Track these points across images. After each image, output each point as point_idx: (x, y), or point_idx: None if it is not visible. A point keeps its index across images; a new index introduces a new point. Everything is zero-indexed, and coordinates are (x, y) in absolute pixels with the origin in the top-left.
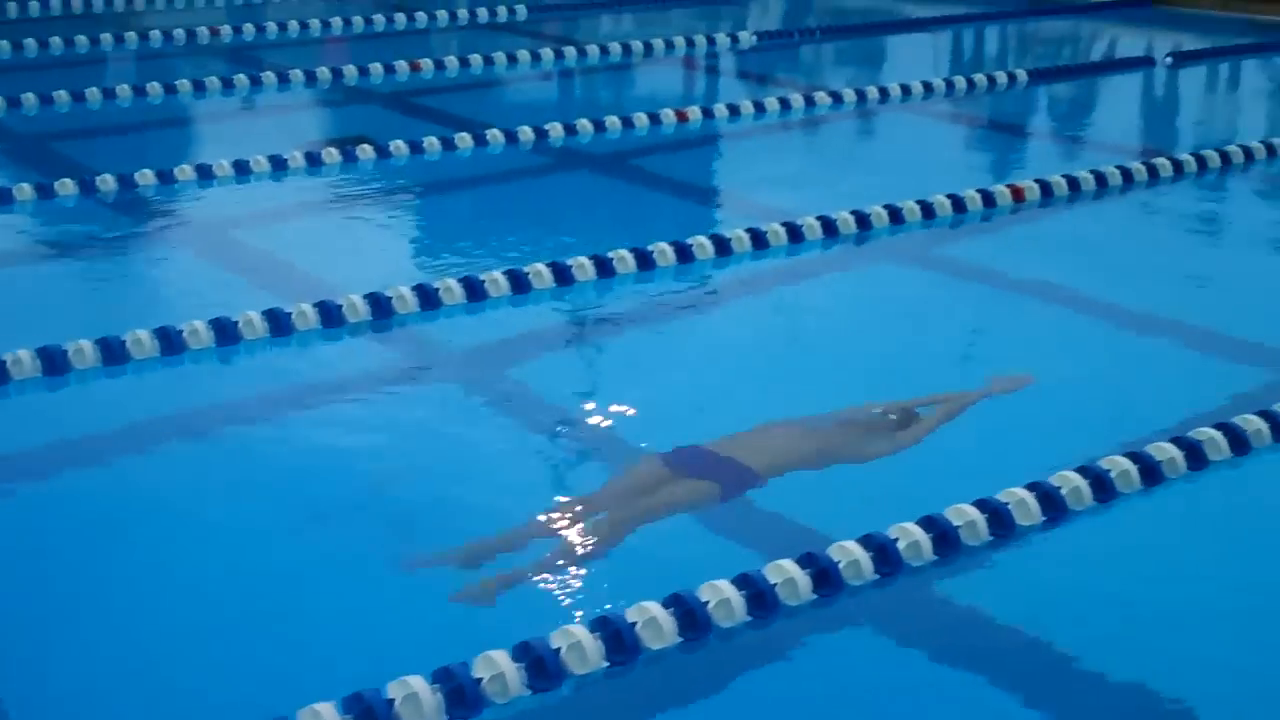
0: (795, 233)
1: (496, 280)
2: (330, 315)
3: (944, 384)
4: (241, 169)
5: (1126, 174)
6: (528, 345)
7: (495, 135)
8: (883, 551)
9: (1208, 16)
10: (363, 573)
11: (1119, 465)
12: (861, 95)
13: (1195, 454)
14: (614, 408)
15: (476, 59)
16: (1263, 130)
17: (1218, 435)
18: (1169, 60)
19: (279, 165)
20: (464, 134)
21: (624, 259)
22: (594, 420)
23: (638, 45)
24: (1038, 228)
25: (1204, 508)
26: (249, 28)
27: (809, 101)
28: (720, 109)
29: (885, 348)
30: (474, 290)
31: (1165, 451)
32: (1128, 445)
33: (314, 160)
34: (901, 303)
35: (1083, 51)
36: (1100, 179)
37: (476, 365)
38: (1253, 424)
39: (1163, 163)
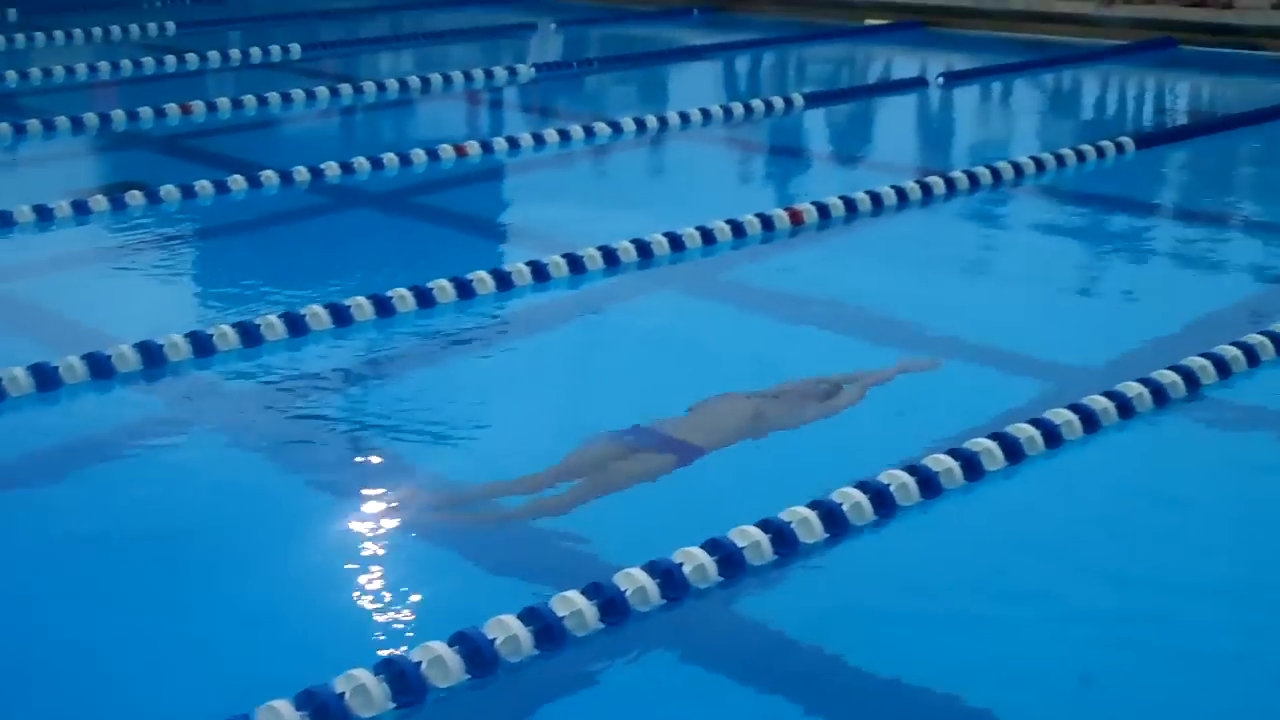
0: (577, 264)
1: (272, 324)
2: (99, 367)
3: None
4: (4, 220)
5: (901, 193)
6: (306, 389)
7: (270, 176)
8: (669, 576)
9: (978, 37)
10: (146, 630)
11: (897, 479)
12: (641, 124)
13: (971, 465)
14: (393, 447)
15: (250, 99)
16: (1034, 145)
17: (993, 445)
18: (940, 80)
19: (45, 215)
20: (237, 176)
21: (403, 297)
22: (375, 460)
23: (415, 81)
24: (816, 249)
25: (979, 518)
26: (11, 74)
27: (589, 132)
28: (499, 143)
29: (666, 376)
30: (249, 335)
31: (942, 463)
32: (906, 459)
33: (82, 209)
34: (683, 330)
35: (858, 74)
36: (876, 199)
37: (252, 411)
38: (1025, 432)
39: (936, 181)
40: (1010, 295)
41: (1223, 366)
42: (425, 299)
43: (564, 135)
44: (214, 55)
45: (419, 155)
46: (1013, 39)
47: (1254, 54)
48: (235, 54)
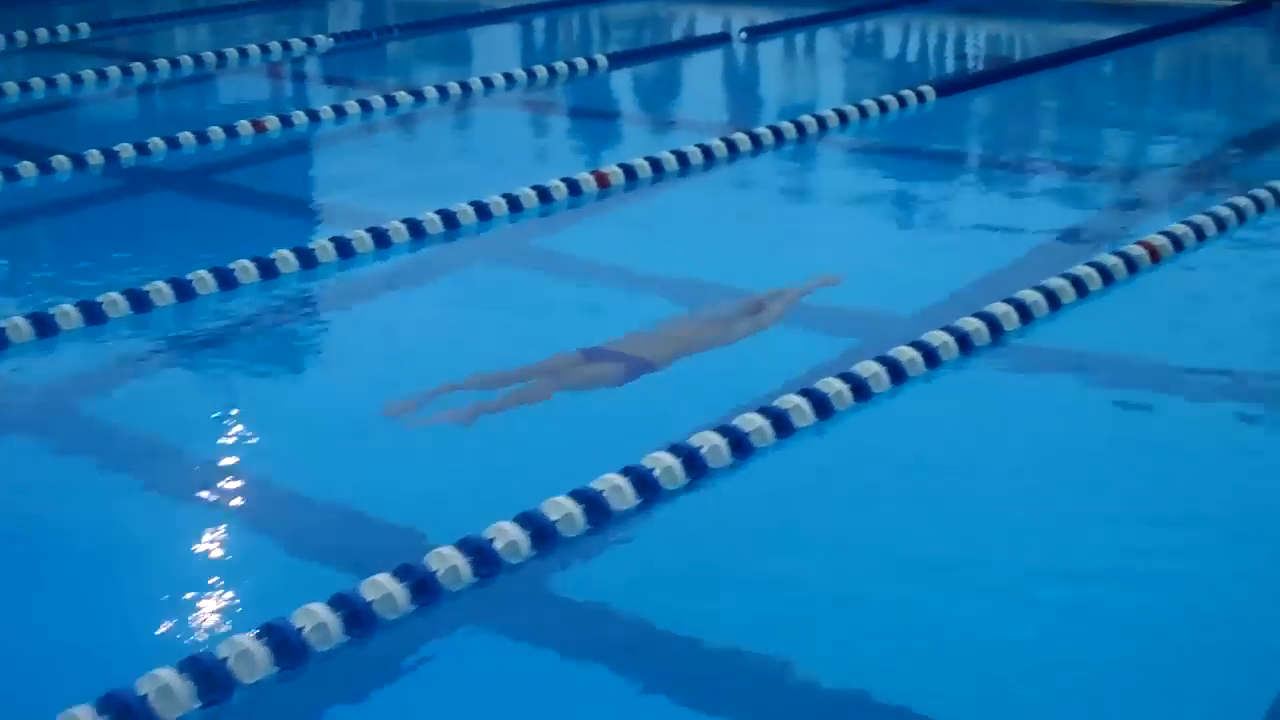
0: (382, 238)
1: (68, 313)
2: None
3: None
4: None
5: (707, 151)
6: (105, 379)
7: (61, 161)
8: (480, 553)
9: None
10: None
11: (709, 440)
12: (443, 91)
13: (782, 422)
14: (200, 437)
15: (38, 82)
16: (838, 98)
17: (802, 401)
18: (743, 35)
19: None
20: (27, 162)
21: (204, 280)
22: (183, 448)
23: (210, 56)
24: (625, 212)
25: (793, 475)
26: None
27: (390, 102)
28: (299, 116)
29: (484, 345)
30: (44, 326)
31: (752, 422)
32: (717, 420)
33: None
34: (495, 298)
35: (661, 32)
36: (682, 159)
37: (50, 407)
38: (833, 386)
39: (741, 138)
40: (818, 251)
41: (1024, 311)
42: (227, 280)
43: (365, 106)
44: None
45: (216, 133)
46: None
47: None
48: (21, 35)
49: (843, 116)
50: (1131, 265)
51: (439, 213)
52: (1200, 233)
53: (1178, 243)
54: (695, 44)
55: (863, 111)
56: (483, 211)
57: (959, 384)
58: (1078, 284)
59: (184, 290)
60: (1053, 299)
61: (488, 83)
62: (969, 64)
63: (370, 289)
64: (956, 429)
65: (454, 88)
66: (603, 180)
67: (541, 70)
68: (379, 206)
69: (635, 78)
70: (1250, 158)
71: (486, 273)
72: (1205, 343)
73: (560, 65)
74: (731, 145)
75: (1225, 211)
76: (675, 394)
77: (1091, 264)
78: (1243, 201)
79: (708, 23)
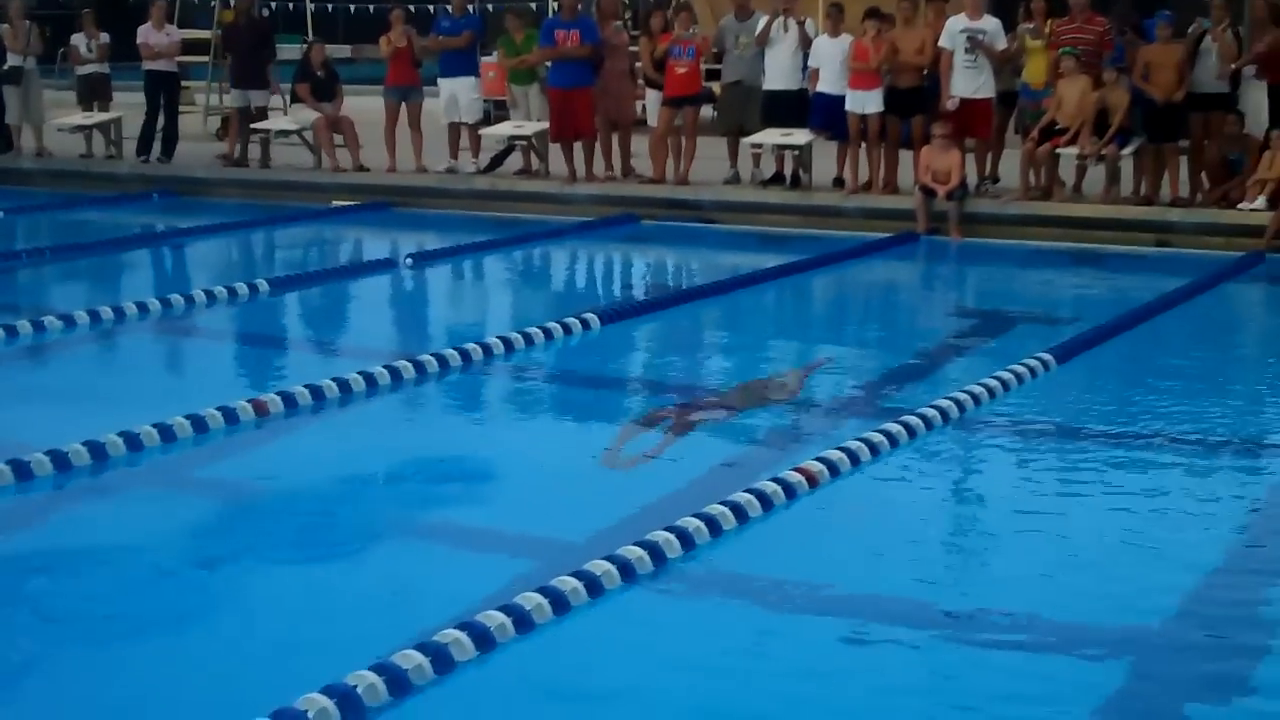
0: (23, 470)
1: None
2: None
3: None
4: None
5: (370, 379)
6: None
7: None
8: None
9: (448, 216)
10: None
11: (364, 679)
12: (96, 316)
13: (441, 657)
14: None
15: None
16: (505, 324)
17: (462, 635)
18: (409, 261)
19: None
20: None
21: None
22: None
23: None
24: (284, 439)
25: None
26: None
27: (37, 327)
28: None
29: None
30: None
31: (411, 659)
32: (375, 659)
33: None
34: (147, 531)
35: (326, 256)
36: (344, 386)
37: None
38: (495, 619)
39: (405, 365)
40: (483, 481)
41: (685, 538)
42: None
43: (10, 331)
44: None
45: None
46: (483, 218)
47: (710, 227)
48: None
49: (508, 344)
50: (790, 491)
51: (85, 444)
52: (855, 458)
53: (833, 468)
54: (359, 269)
55: (528, 339)
56: (132, 442)
57: (622, 609)
58: (737, 510)
59: None
60: (713, 525)
61: (142, 308)
62: (634, 291)
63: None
64: (619, 655)
65: (106, 312)
66: (261, 408)
67: (200, 294)
68: (22, 436)
69: (298, 302)
70: (902, 382)
71: (145, 505)
72: (858, 565)
73: (220, 290)
74: (395, 373)
75: (877, 437)
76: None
77: (750, 490)
78: (894, 428)
79: (373, 247)
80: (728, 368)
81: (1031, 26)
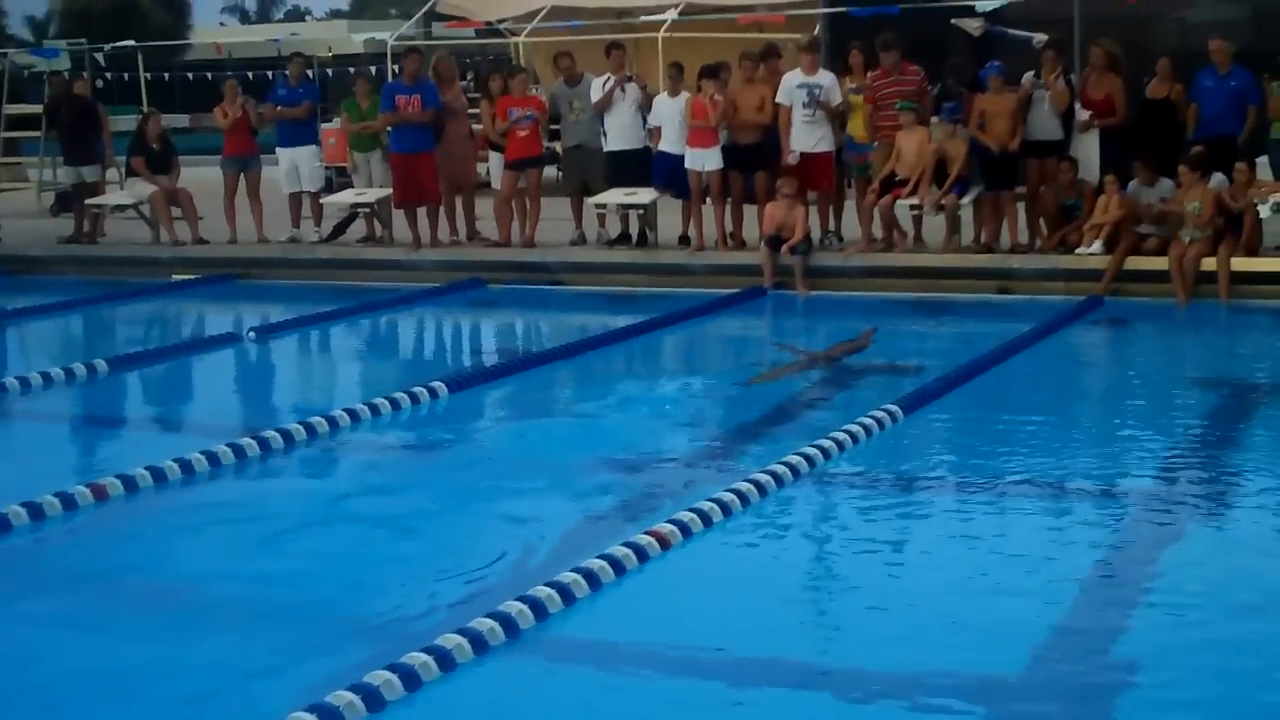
0: None
1: None
2: None
3: None
4: None
5: (212, 458)
6: None
7: None
8: None
9: (293, 287)
10: None
11: None
12: None
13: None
14: None
15: None
16: (352, 395)
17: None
18: (252, 334)
19: None
20: None
21: None
22: None
23: None
24: (127, 524)
25: None
26: None
27: None
28: None
29: None
30: None
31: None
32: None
33: None
34: None
35: (167, 332)
36: (185, 466)
37: None
38: (343, 698)
39: (249, 442)
40: (333, 550)
41: (538, 608)
42: None
43: None
44: None
45: None
46: (328, 287)
47: (558, 289)
48: None
49: (354, 415)
50: (642, 555)
51: None
52: (707, 519)
53: (685, 530)
54: (201, 345)
55: (374, 410)
56: None
57: (478, 683)
58: (589, 577)
59: None
60: (566, 594)
61: None
62: (482, 357)
63: None
64: None
65: None
66: (100, 493)
67: (35, 377)
68: None
69: (138, 380)
70: (754, 438)
71: None
72: (715, 624)
73: (56, 371)
74: (238, 450)
75: (729, 497)
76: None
77: (602, 556)
78: (744, 486)
79: (217, 321)
80: (571, 435)
81: (853, 85)
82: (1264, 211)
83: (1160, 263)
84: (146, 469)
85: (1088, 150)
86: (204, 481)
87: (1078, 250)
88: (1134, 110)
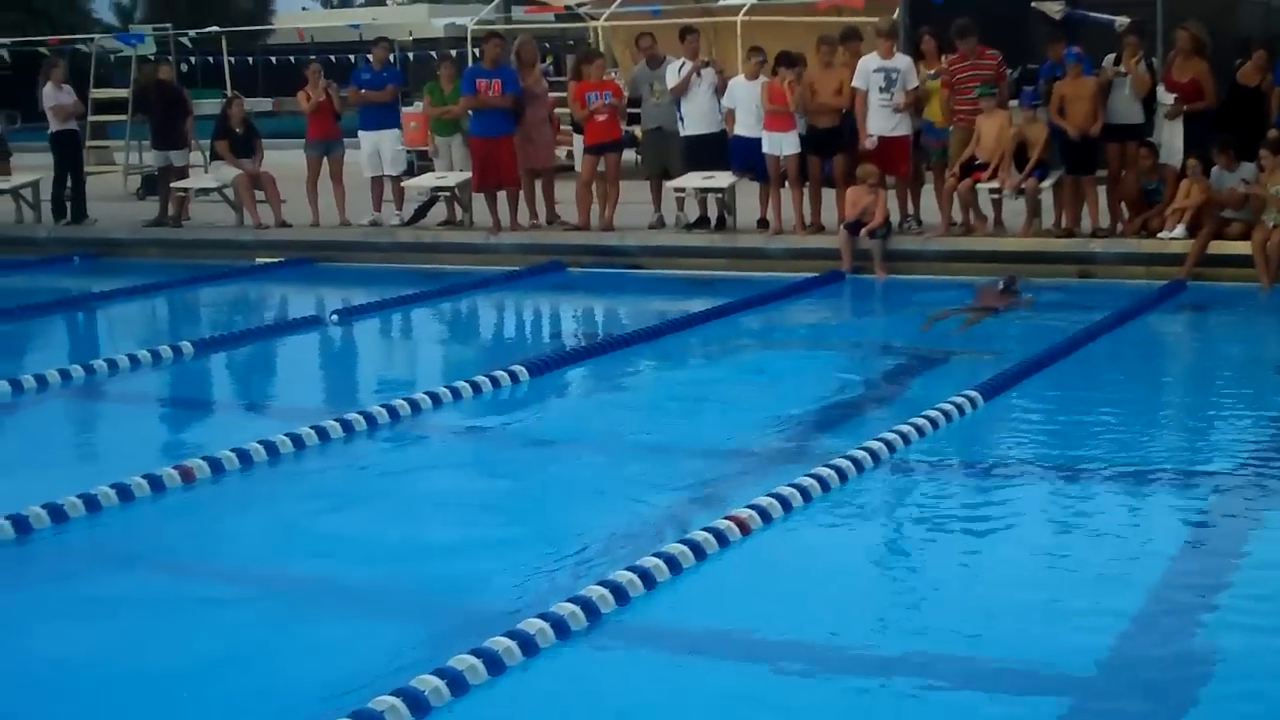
0: None
1: None
2: None
3: None
4: None
5: (297, 440)
6: None
7: None
8: None
9: (373, 270)
10: None
11: None
12: (17, 385)
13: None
14: None
15: None
16: (434, 379)
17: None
18: (334, 318)
19: None
20: None
21: None
22: None
23: None
24: (211, 511)
25: None
26: None
27: None
28: None
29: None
30: None
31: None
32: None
33: None
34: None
35: (251, 315)
36: (270, 448)
37: None
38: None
39: (333, 424)
40: (423, 535)
41: (619, 592)
42: None
43: None
44: None
45: None
46: (408, 270)
47: (637, 273)
48: None
49: (435, 398)
50: (723, 539)
51: (8, 518)
52: (787, 504)
53: (765, 515)
54: (285, 327)
55: (455, 393)
56: (57, 514)
57: (559, 667)
58: (670, 562)
59: None
60: (647, 578)
61: (65, 375)
62: (563, 342)
63: None
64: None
65: (29, 380)
66: (187, 475)
67: (123, 359)
68: None
69: (225, 363)
70: (833, 423)
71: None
72: (799, 610)
73: (143, 354)
74: (322, 432)
75: (808, 481)
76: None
77: (683, 540)
78: (825, 472)
79: (299, 304)
80: (652, 423)
81: (930, 71)
82: None
83: (1243, 247)
84: (232, 450)
85: (1171, 134)
86: (289, 463)
87: (1159, 235)
88: (1221, 94)
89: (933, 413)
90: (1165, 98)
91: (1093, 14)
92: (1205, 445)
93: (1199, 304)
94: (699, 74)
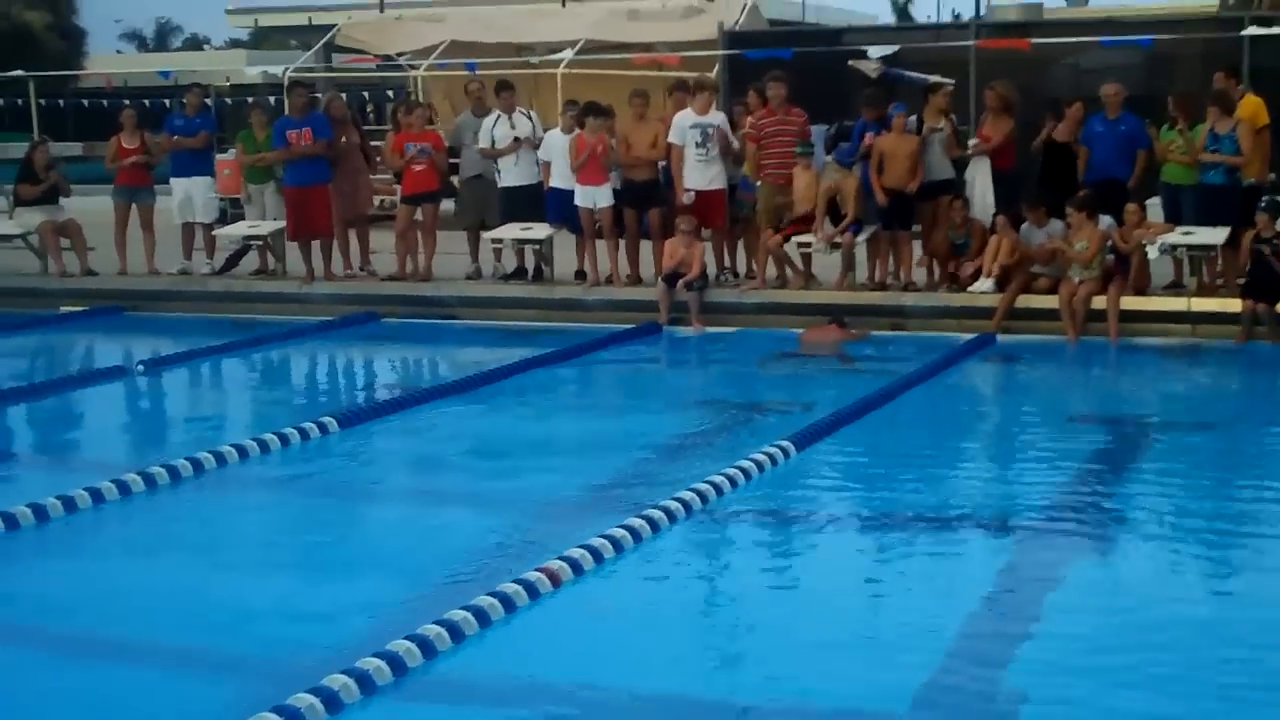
0: None
1: None
2: None
3: None
4: None
5: (97, 494)
6: None
7: None
8: None
9: (184, 320)
10: None
11: None
12: None
13: None
14: None
15: None
16: (241, 431)
17: None
18: (140, 367)
19: None
20: None
21: None
22: None
23: None
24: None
25: None
26: None
27: None
28: None
29: None
30: None
31: None
32: None
33: None
34: None
35: (53, 365)
36: (69, 503)
37: None
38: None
39: (134, 478)
40: (222, 588)
41: (426, 647)
42: None
43: None
44: None
45: None
46: (219, 320)
47: (453, 323)
48: None
49: (242, 451)
50: (532, 591)
51: None
52: (598, 555)
53: (576, 567)
54: (90, 378)
55: (263, 446)
56: None
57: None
58: (479, 614)
59: None
60: (455, 631)
61: None
62: (375, 393)
63: None
64: None
65: None
66: None
67: None
68: None
69: (26, 415)
70: (646, 474)
71: None
72: (611, 663)
73: None
74: (123, 486)
75: (620, 533)
76: None
77: (492, 593)
78: (636, 522)
79: (105, 354)
80: (470, 466)
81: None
82: (1152, 252)
83: (1051, 301)
84: (28, 506)
85: (984, 190)
86: (88, 518)
87: (970, 289)
88: (1023, 151)
89: (745, 463)
90: (970, 141)
91: (909, 73)
92: (1011, 494)
93: (1008, 355)
94: (513, 125)
